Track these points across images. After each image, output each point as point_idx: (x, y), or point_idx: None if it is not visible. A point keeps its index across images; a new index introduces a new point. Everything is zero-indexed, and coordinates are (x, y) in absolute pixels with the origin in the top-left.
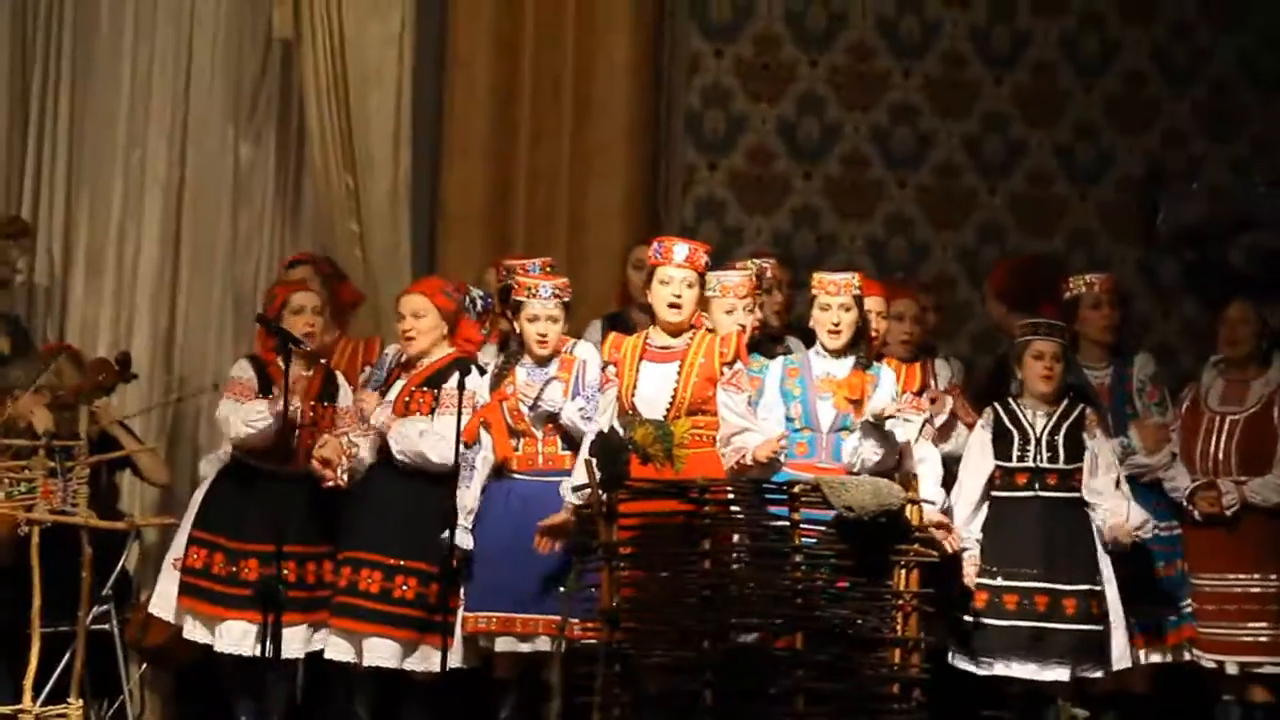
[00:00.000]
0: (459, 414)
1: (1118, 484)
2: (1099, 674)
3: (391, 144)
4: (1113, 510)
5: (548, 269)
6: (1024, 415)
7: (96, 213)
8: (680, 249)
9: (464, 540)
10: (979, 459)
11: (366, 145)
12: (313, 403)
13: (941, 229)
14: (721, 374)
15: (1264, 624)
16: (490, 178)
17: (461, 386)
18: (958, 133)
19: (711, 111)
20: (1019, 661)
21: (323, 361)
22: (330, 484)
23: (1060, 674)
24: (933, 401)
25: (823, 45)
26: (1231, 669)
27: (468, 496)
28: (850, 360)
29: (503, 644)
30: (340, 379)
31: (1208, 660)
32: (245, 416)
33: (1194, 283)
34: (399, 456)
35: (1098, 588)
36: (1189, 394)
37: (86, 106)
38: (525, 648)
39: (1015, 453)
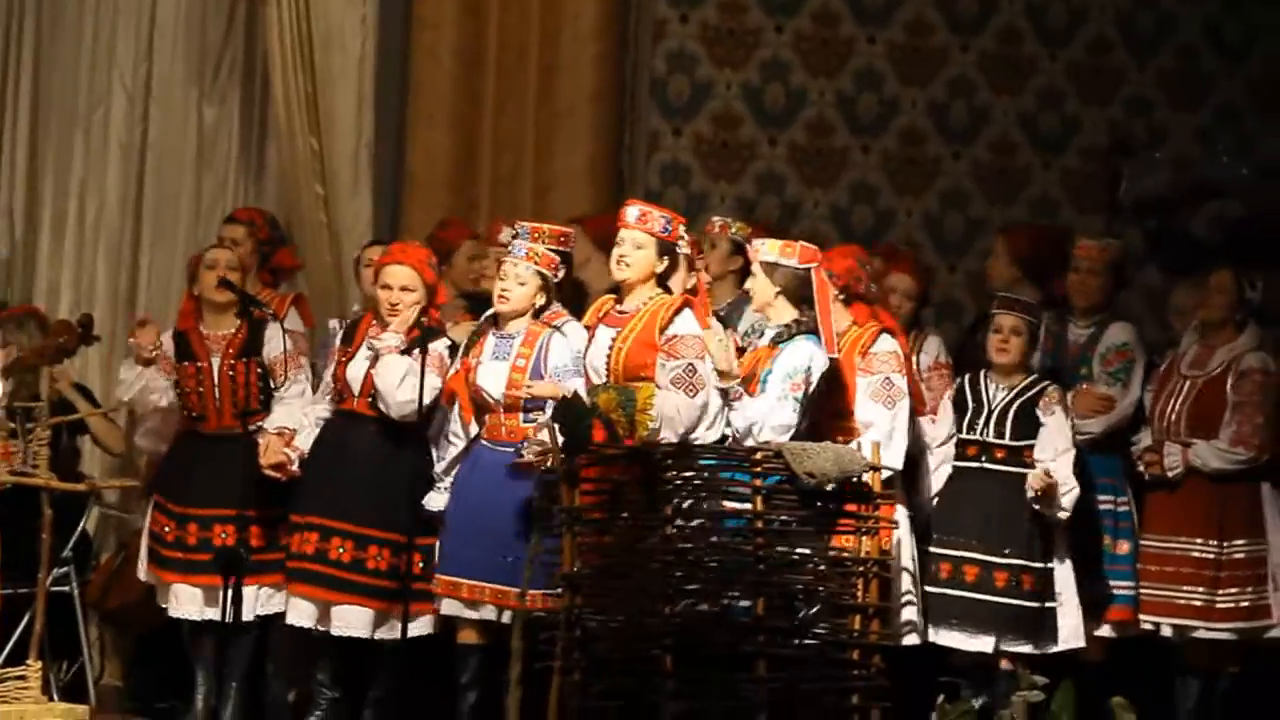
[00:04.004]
0: (421, 374)
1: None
2: (1027, 649)
3: (355, 107)
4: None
5: (541, 235)
6: (986, 387)
7: (59, 174)
8: (632, 211)
9: (434, 502)
10: (942, 425)
11: (330, 108)
12: (232, 361)
13: (905, 196)
14: (659, 340)
15: (1200, 588)
16: (455, 141)
17: (424, 351)
18: (922, 99)
19: (676, 77)
20: (947, 630)
21: (254, 315)
22: (288, 478)
23: (986, 645)
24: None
25: (788, 11)
26: (1166, 631)
27: (439, 466)
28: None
29: (449, 607)
30: (270, 329)
31: (1147, 622)
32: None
33: (1156, 252)
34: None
35: (1034, 564)
36: (1170, 357)
37: (50, 66)
38: (470, 614)
39: (967, 423)
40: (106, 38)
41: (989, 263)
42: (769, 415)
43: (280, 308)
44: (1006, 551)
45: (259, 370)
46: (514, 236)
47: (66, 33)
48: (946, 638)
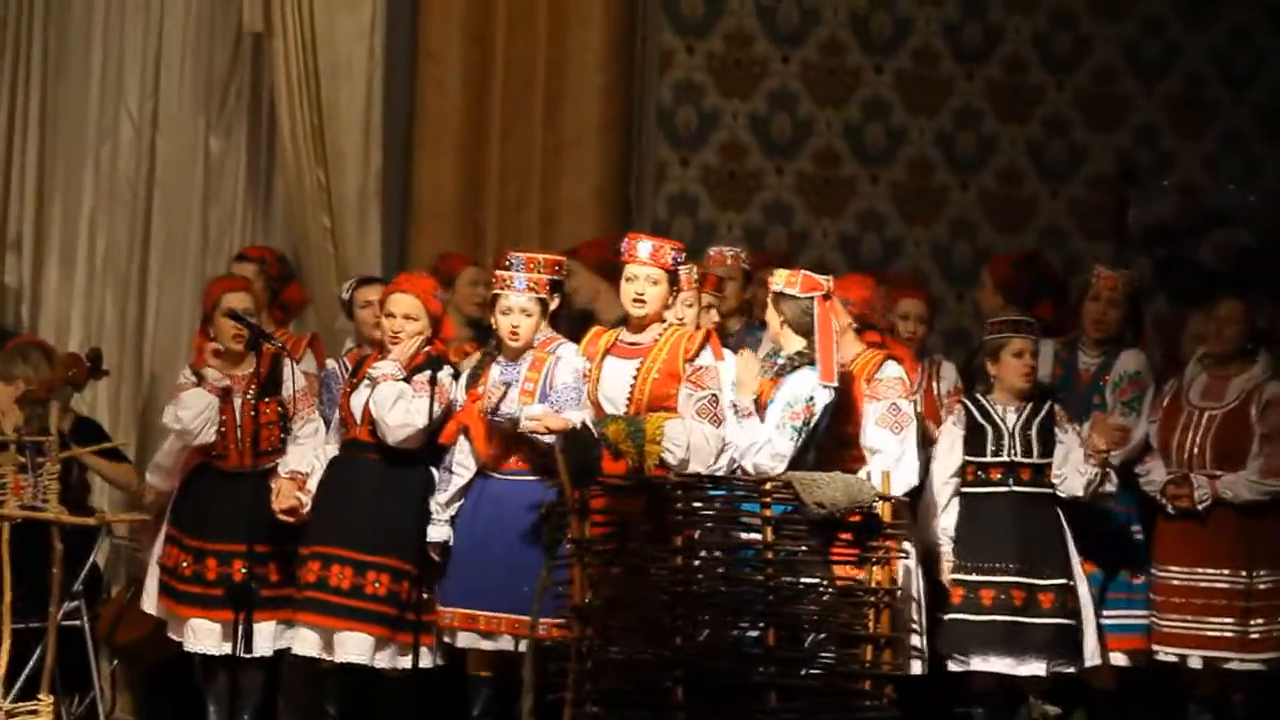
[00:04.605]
0: (431, 402)
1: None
2: (1072, 670)
3: (362, 138)
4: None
5: (536, 265)
6: (995, 411)
7: (67, 207)
8: (644, 246)
9: (437, 533)
10: (948, 454)
11: (337, 139)
12: (253, 401)
13: (913, 225)
14: (684, 371)
15: (1230, 619)
16: (461, 172)
17: (434, 380)
18: (930, 129)
19: (683, 107)
20: (996, 656)
21: (269, 351)
22: (300, 521)
23: (1037, 669)
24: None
25: (795, 41)
26: (1195, 663)
27: (442, 497)
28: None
29: (465, 640)
30: (287, 368)
31: (1169, 654)
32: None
33: (1164, 280)
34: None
35: (1072, 583)
36: (1172, 387)
37: (57, 100)
38: (487, 645)
39: (989, 448)
40: (114, 71)
41: (978, 294)
42: (768, 441)
43: (297, 348)
44: (1050, 572)
45: (279, 409)
46: (508, 267)
47: (74, 66)
48: (996, 664)
